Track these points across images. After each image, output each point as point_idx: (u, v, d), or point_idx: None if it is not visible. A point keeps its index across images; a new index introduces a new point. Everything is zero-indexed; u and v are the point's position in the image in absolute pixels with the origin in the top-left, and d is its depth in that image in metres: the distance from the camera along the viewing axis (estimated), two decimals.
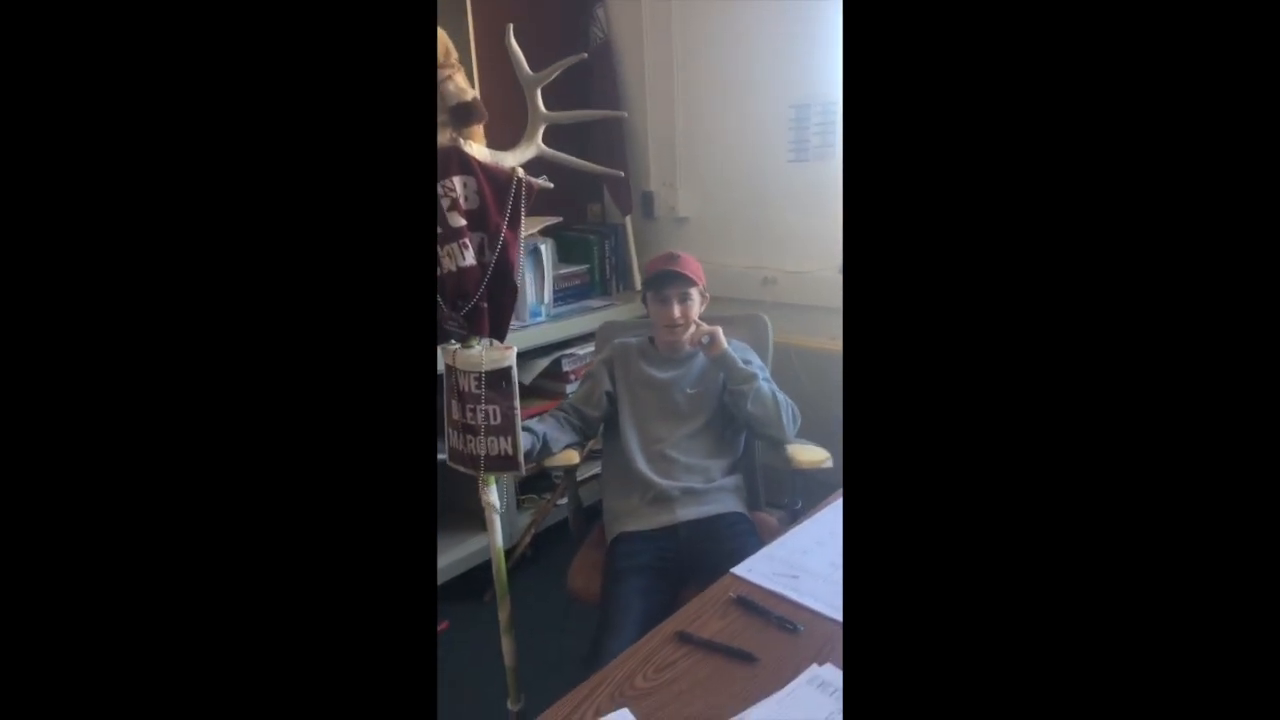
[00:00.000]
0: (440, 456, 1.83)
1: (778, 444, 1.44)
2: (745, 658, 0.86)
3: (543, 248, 2.06)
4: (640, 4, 2.24)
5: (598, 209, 2.56)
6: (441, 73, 1.07)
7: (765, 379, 1.44)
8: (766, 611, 0.93)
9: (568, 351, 2.10)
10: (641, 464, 1.42)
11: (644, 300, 1.52)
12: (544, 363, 2.06)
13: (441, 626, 1.86)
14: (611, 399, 1.50)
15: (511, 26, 1.07)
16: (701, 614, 0.95)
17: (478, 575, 1.96)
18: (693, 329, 1.43)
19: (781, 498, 1.54)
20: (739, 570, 1.03)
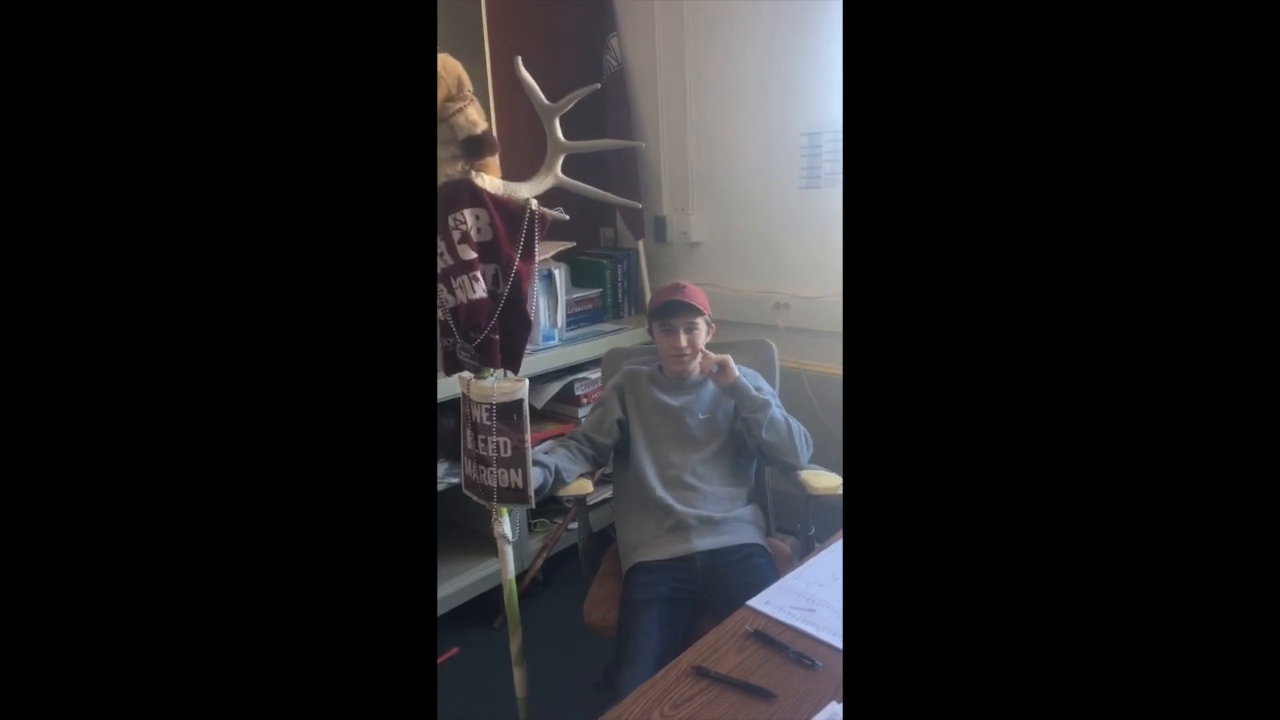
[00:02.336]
0: (454, 481, 1.84)
1: (791, 470, 1.43)
2: (763, 694, 0.85)
3: (556, 273, 2.07)
4: (654, 33, 2.28)
5: (610, 233, 2.58)
6: (454, 105, 1.06)
7: (777, 405, 1.44)
8: (784, 646, 0.92)
9: (580, 375, 2.10)
10: (660, 490, 1.41)
11: (650, 330, 1.53)
12: (557, 387, 2.07)
13: (451, 653, 1.85)
14: (623, 426, 1.50)
15: (520, 58, 1.07)
16: (719, 648, 0.94)
17: (488, 600, 1.95)
18: (700, 357, 1.42)
19: (794, 524, 1.53)
20: (755, 603, 1.02)
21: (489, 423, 1.14)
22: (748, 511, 1.43)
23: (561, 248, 2.07)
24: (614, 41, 2.31)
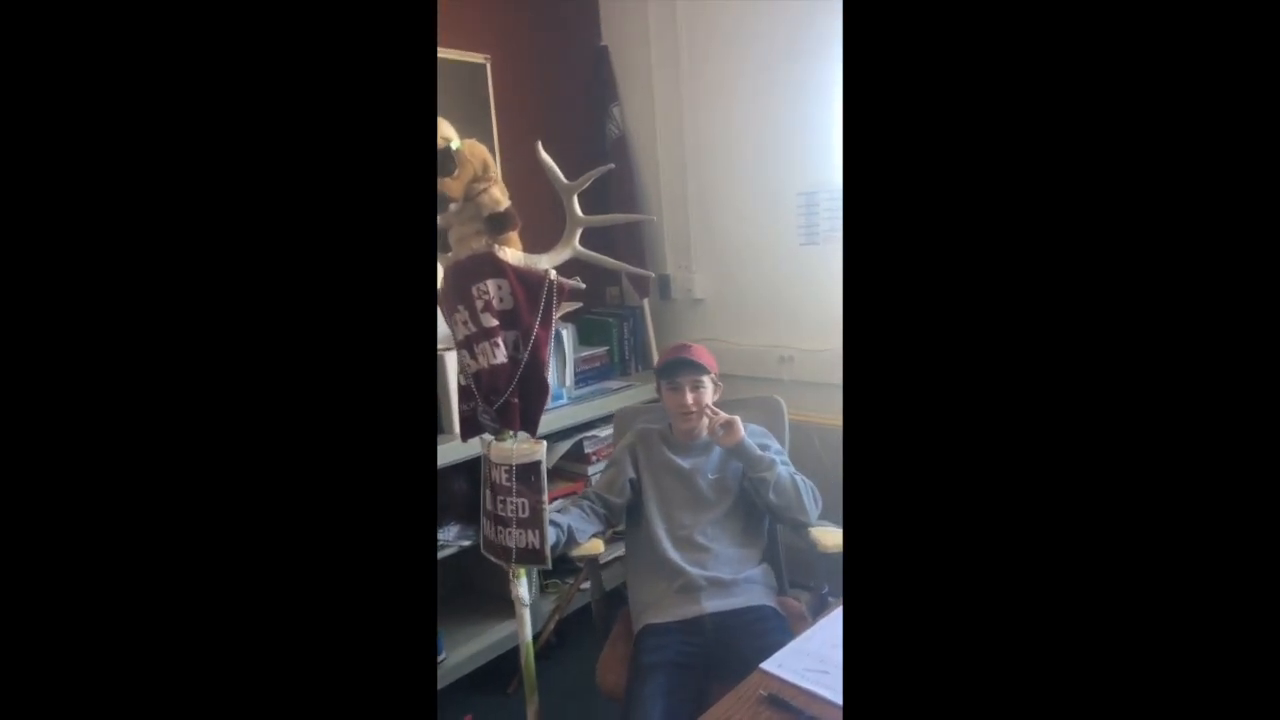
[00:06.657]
0: (465, 544, 1.84)
1: (802, 528, 1.44)
2: None
3: (564, 333, 2.12)
4: (653, 102, 2.38)
5: (616, 292, 2.64)
6: (479, 185, 1.13)
7: (784, 463, 1.45)
8: (799, 710, 0.92)
9: (589, 434, 2.13)
10: (670, 550, 1.42)
11: (658, 389, 1.56)
12: (566, 445, 2.09)
13: None
14: (635, 485, 1.51)
15: (540, 142, 1.14)
16: (733, 713, 0.94)
17: (503, 664, 1.93)
18: (708, 417, 1.45)
19: (807, 579, 1.52)
20: (769, 666, 1.02)
21: (508, 484, 1.18)
22: (758, 572, 1.43)
23: (570, 309, 2.12)
24: (616, 110, 2.42)
